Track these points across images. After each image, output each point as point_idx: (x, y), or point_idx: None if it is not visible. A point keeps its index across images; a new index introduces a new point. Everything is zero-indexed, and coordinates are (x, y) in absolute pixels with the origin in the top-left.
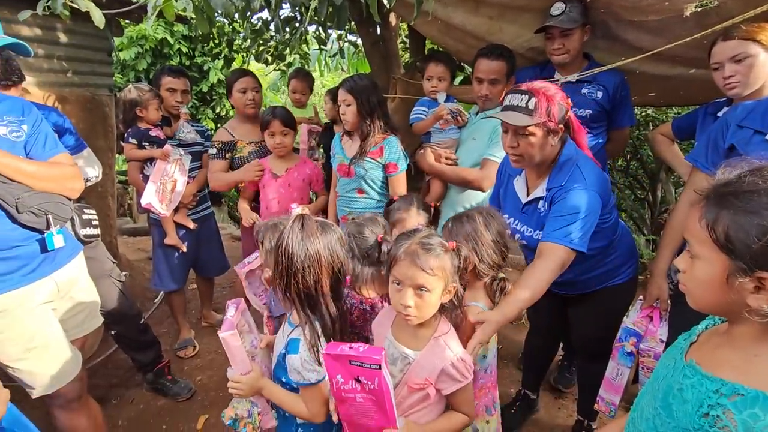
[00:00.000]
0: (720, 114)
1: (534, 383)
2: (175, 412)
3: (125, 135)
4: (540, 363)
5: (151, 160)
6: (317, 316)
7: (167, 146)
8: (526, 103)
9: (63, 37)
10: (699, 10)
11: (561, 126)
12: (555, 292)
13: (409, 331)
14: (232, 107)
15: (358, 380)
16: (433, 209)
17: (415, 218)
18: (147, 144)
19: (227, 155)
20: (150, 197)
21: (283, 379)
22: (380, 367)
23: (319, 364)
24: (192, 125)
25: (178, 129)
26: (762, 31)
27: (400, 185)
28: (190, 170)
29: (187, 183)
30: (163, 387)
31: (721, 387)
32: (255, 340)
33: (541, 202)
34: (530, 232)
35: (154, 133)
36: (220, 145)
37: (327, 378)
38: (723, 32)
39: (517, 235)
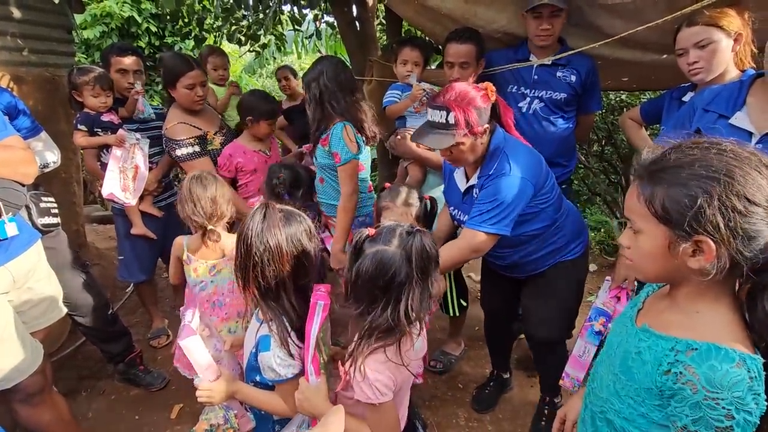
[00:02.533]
0: (685, 99)
1: (503, 363)
2: (149, 402)
3: (74, 121)
4: (502, 345)
5: (107, 147)
6: (281, 310)
7: (121, 131)
8: (446, 119)
9: (16, 12)
10: None
11: (485, 126)
12: (505, 275)
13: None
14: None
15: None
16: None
17: (401, 209)
18: (99, 130)
19: (209, 147)
20: (111, 187)
21: (257, 378)
22: (317, 304)
23: (293, 358)
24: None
25: (142, 109)
26: (724, 16)
27: (342, 176)
28: (152, 155)
29: (150, 169)
30: (135, 377)
31: (676, 344)
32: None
33: (474, 190)
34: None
35: (106, 118)
36: (196, 141)
37: (300, 370)
38: (687, 18)
39: (462, 223)
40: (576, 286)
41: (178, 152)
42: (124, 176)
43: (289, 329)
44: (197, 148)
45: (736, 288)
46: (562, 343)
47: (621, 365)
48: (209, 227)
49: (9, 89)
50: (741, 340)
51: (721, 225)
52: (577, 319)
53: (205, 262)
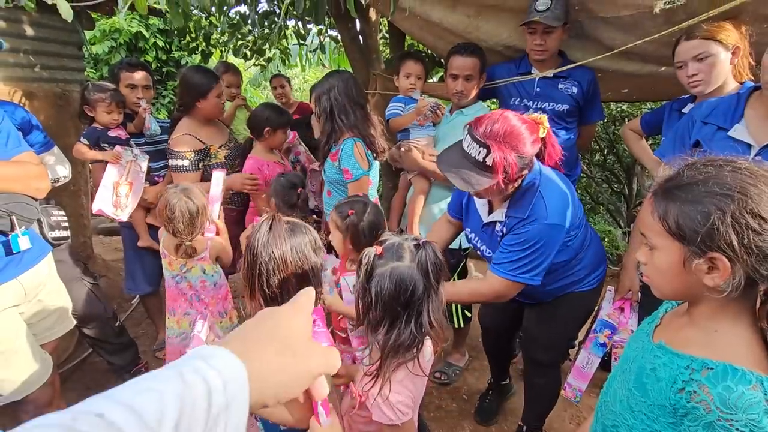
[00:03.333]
0: (685, 110)
1: (501, 371)
2: None
3: (81, 133)
4: (502, 358)
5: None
6: None
7: (117, 148)
8: (483, 158)
9: (29, 30)
10: (667, 7)
11: (524, 173)
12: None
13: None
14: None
15: None
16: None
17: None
18: (106, 145)
19: (200, 165)
20: (100, 203)
21: None
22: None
23: None
24: (159, 122)
25: (148, 126)
26: (722, 30)
27: (355, 192)
28: (159, 169)
29: (157, 182)
30: None
31: (692, 363)
32: None
33: (498, 225)
34: (489, 252)
35: (113, 133)
36: (192, 155)
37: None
38: (686, 32)
39: (479, 252)
40: (584, 316)
41: (171, 162)
42: (116, 192)
43: None
44: (186, 163)
45: (757, 307)
46: (557, 366)
47: (636, 381)
48: (186, 242)
49: (22, 105)
50: (759, 361)
51: (735, 242)
52: (581, 330)
53: (176, 259)
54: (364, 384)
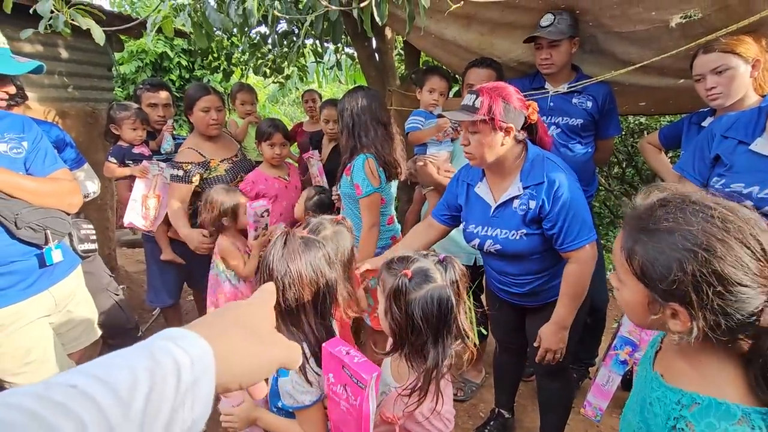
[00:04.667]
0: (704, 123)
1: (507, 401)
2: None
3: (107, 153)
4: (510, 380)
5: (135, 178)
6: (302, 336)
7: (144, 163)
8: (473, 102)
9: (64, 53)
10: (684, 21)
11: (510, 125)
12: (515, 303)
13: (403, 362)
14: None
15: (345, 389)
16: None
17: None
18: (131, 162)
19: (194, 178)
20: (131, 216)
21: (279, 405)
22: (365, 387)
23: (310, 384)
24: (176, 139)
25: (163, 142)
26: (741, 43)
27: (364, 209)
28: None
29: None
30: None
31: (681, 397)
32: None
33: (517, 201)
34: (505, 234)
35: (137, 150)
36: (189, 167)
37: (322, 397)
38: (704, 45)
39: (489, 242)
40: (584, 313)
41: (171, 171)
42: (145, 206)
43: (308, 355)
44: (180, 173)
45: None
46: (567, 369)
47: (640, 414)
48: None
49: (56, 123)
50: (747, 394)
51: (694, 299)
52: (601, 347)
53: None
54: (400, 407)
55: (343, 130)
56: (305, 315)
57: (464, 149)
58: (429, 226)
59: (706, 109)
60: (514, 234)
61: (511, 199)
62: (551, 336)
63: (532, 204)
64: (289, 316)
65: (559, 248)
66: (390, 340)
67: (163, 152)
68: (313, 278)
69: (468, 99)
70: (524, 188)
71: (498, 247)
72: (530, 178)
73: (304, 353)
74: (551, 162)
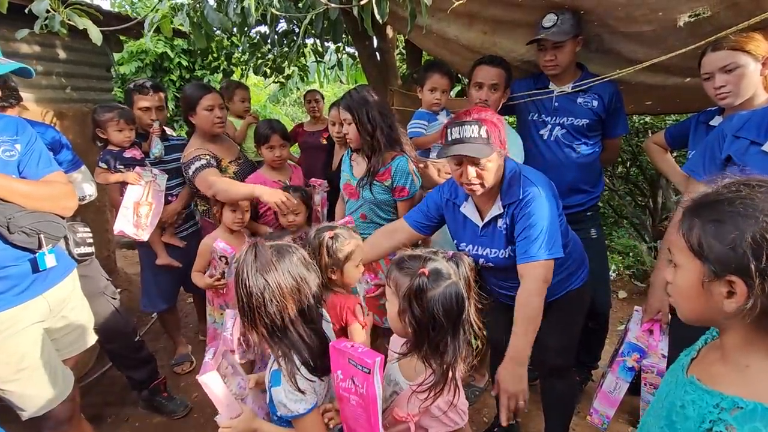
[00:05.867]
0: (712, 123)
1: None
2: (171, 430)
3: (97, 158)
4: None
5: (125, 183)
6: (290, 345)
7: (138, 169)
8: (479, 133)
9: (61, 54)
10: (692, 20)
11: (506, 150)
12: (512, 306)
13: (413, 360)
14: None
15: (353, 381)
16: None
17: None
18: (122, 167)
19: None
20: (122, 224)
21: (279, 414)
22: (370, 372)
23: (302, 393)
24: (171, 140)
25: (152, 146)
26: (751, 41)
27: (406, 211)
28: (173, 187)
29: (170, 201)
30: (158, 404)
31: (721, 401)
32: (242, 382)
33: (500, 220)
34: (495, 252)
35: (128, 154)
36: (208, 156)
37: (317, 405)
38: (712, 43)
39: (481, 260)
40: (584, 311)
41: (191, 169)
42: (137, 213)
43: (299, 364)
44: (204, 162)
45: None
46: (571, 368)
47: (666, 418)
48: None
49: (53, 125)
50: None
51: (752, 267)
52: (604, 350)
53: None
54: (415, 404)
55: (362, 133)
56: (293, 325)
57: (472, 182)
58: (396, 230)
59: (713, 108)
60: (503, 252)
61: (495, 218)
62: (508, 377)
63: (508, 221)
64: (274, 329)
65: (517, 260)
66: (393, 339)
67: (152, 157)
68: (294, 286)
69: (469, 130)
70: (503, 206)
71: (491, 264)
72: (508, 196)
73: (294, 363)
74: (525, 178)
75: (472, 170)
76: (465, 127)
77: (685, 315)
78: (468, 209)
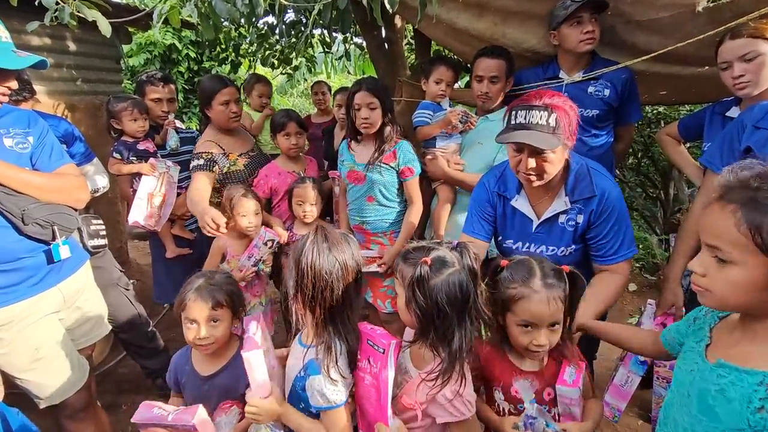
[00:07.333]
0: (729, 113)
1: None
2: None
3: (111, 149)
4: None
5: (138, 174)
6: (338, 331)
7: (152, 160)
8: (547, 120)
9: (71, 46)
10: (711, 5)
11: (574, 142)
12: None
13: (423, 349)
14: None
15: (369, 360)
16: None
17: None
18: (135, 158)
19: (215, 168)
20: (136, 215)
21: (302, 404)
22: (384, 352)
23: (339, 383)
24: (180, 133)
25: (168, 138)
26: None
27: (414, 189)
28: (182, 180)
29: (179, 194)
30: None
31: (765, 378)
32: (273, 360)
33: (563, 216)
34: (553, 250)
35: (142, 146)
36: (209, 156)
37: (347, 401)
38: (730, 30)
39: (537, 251)
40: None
41: (191, 164)
42: (150, 204)
43: (339, 353)
44: (201, 162)
45: None
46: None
47: (699, 405)
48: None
49: (65, 117)
50: None
51: None
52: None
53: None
54: (423, 392)
55: (385, 112)
56: (350, 310)
57: (529, 172)
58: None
59: (729, 99)
60: (563, 250)
61: (557, 215)
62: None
63: (581, 218)
64: (338, 313)
65: (601, 259)
66: (407, 330)
67: (168, 149)
68: (354, 269)
69: (536, 116)
70: (572, 203)
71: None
72: (577, 191)
73: (334, 353)
74: (597, 172)
75: (532, 161)
76: (533, 112)
77: (727, 305)
78: (520, 203)
